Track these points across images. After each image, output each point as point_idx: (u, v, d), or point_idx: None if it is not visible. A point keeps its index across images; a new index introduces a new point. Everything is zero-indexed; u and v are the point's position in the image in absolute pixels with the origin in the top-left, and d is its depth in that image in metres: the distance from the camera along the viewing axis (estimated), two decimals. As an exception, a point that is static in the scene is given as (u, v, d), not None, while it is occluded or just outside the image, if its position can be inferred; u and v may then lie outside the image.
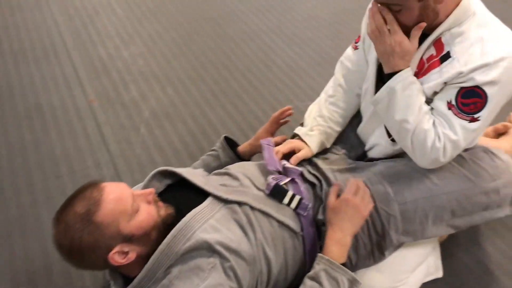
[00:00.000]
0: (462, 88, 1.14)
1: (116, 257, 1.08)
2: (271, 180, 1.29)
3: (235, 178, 1.31)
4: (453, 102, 1.15)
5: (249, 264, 1.15)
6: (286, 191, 1.28)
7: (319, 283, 1.12)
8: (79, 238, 1.05)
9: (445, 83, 1.17)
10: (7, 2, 3.07)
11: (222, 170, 1.38)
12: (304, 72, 2.41)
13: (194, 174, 1.31)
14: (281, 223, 1.24)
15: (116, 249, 1.08)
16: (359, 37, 1.46)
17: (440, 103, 1.18)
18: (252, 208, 1.22)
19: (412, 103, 1.19)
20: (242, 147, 1.55)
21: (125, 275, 1.17)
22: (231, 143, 1.56)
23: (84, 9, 2.99)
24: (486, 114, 1.14)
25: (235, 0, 3.09)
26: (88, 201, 1.07)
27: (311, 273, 1.14)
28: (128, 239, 1.09)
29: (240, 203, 1.22)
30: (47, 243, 1.59)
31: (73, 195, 1.12)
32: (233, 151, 1.54)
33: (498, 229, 1.61)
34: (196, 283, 1.07)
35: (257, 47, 2.61)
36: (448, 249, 1.50)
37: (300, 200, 1.27)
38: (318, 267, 1.14)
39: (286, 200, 1.27)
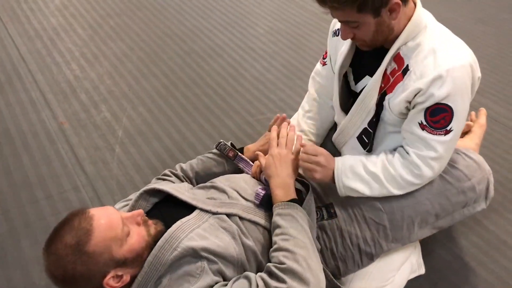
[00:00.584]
0: (427, 108, 1.21)
1: (111, 282, 1.09)
2: (260, 190, 1.32)
3: (222, 191, 1.34)
4: (424, 123, 1.23)
5: (237, 267, 1.19)
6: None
7: (277, 226, 1.20)
8: (72, 269, 1.05)
9: (409, 102, 1.24)
10: (-39, 27, 2.97)
11: (208, 184, 1.40)
12: (273, 84, 2.47)
13: (180, 190, 1.33)
14: (270, 231, 1.27)
15: (111, 274, 1.09)
16: (326, 53, 1.54)
17: (413, 127, 1.25)
18: (241, 218, 1.26)
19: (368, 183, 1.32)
20: (248, 155, 1.57)
21: None
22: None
23: (44, 31, 2.94)
24: (457, 123, 1.22)
25: (198, 16, 3.13)
26: (77, 232, 1.06)
27: (272, 227, 1.24)
28: (122, 263, 1.10)
29: (229, 215, 1.25)
30: (29, 270, 1.56)
31: (61, 225, 1.11)
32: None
33: (469, 224, 1.71)
34: (190, 278, 1.10)
35: (224, 62, 2.65)
36: (428, 246, 1.58)
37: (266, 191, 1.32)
38: (274, 215, 1.23)
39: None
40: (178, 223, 1.19)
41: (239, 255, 1.19)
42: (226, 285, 1.13)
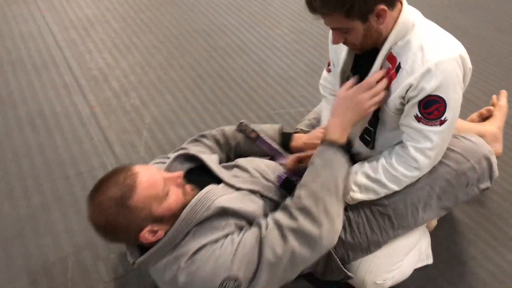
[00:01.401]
0: (420, 101, 1.26)
1: (147, 236, 1.19)
2: (282, 173, 1.40)
3: (244, 170, 1.42)
4: (420, 115, 1.28)
5: None
6: (295, 185, 1.37)
7: (312, 163, 1.28)
8: (113, 221, 1.15)
9: (403, 98, 1.30)
10: (1, 13, 3.13)
11: (231, 163, 1.48)
12: (294, 81, 2.56)
13: (212, 161, 1.41)
14: None
15: (147, 228, 1.18)
16: (329, 62, 1.62)
17: (410, 121, 1.30)
18: (262, 196, 1.34)
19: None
20: (295, 146, 1.60)
21: (145, 246, 1.24)
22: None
23: (79, 21, 3.08)
24: (451, 113, 1.26)
25: (225, 14, 3.23)
26: (122, 187, 1.15)
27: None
28: (159, 219, 1.19)
29: (252, 191, 1.33)
30: (59, 239, 1.67)
31: (107, 178, 1.20)
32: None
33: (478, 220, 1.77)
34: (209, 235, 1.19)
35: (249, 58, 2.75)
36: (436, 239, 1.64)
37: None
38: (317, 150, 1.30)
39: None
40: (210, 186, 1.28)
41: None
42: (240, 232, 1.22)
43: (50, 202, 1.81)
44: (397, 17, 1.27)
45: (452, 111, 1.27)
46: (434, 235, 1.64)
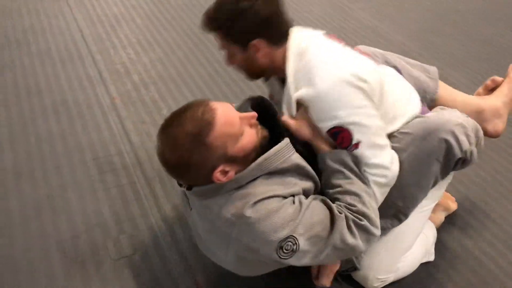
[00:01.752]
0: (327, 134, 1.28)
1: (219, 175, 1.14)
2: None
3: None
4: (338, 145, 1.29)
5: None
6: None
7: (336, 171, 1.27)
8: (188, 157, 1.10)
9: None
10: (33, 8, 3.28)
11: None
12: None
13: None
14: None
15: (220, 168, 1.13)
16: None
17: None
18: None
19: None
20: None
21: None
22: None
23: (106, 18, 3.21)
24: (360, 133, 1.25)
25: (247, 15, 3.30)
26: (200, 122, 1.10)
27: (324, 174, 1.30)
28: (232, 160, 1.15)
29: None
30: (74, 219, 1.75)
31: (182, 110, 1.14)
32: None
33: (482, 220, 1.78)
34: (277, 188, 1.18)
35: (267, 57, 2.81)
36: (441, 239, 1.67)
37: None
38: (324, 162, 1.29)
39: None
40: (287, 140, 1.24)
41: (318, 185, 1.30)
42: (307, 199, 1.22)
43: (68, 184, 1.90)
44: (286, 51, 1.31)
45: (361, 132, 1.25)
46: (437, 233, 1.66)
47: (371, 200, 1.26)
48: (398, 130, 1.38)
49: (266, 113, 1.35)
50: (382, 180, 1.29)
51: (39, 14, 3.22)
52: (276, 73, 1.38)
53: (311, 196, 1.25)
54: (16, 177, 1.93)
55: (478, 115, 1.59)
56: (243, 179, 1.18)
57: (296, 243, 1.15)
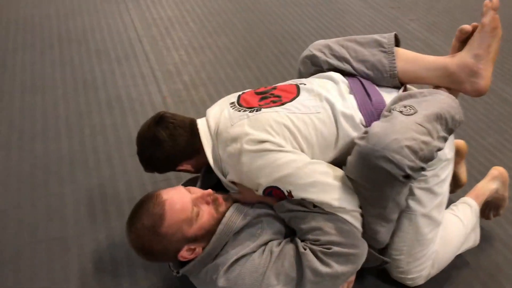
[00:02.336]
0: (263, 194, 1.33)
1: (185, 254, 1.26)
2: None
3: None
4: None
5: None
6: None
7: (293, 217, 1.30)
8: (149, 246, 1.24)
9: None
10: (93, 10, 3.44)
11: None
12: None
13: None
14: None
15: (184, 249, 1.25)
16: None
17: None
18: None
19: None
20: None
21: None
22: None
23: (161, 20, 3.33)
24: (285, 183, 1.26)
25: (297, 22, 3.35)
26: (152, 216, 1.22)
27: (284, 219, 1.34)
28: (193, 240, 1.25)
29: None
30: (123, 208, 1.83)
31: (139, 206, 1.28)
32: None
33: None
34: (247, 244, 1.25)
35: (315, 64, 2.84)
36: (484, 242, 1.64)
37: None
38: (280, 214, 1.34)
39: None
40: (235, 205, 1.34)
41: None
42: (279, 244, 1.27)
43: (118, 175, 1.99)
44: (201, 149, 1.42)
45: (287, 183, 1.26)
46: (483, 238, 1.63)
47: (334, 224, 1.24)
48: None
49: None
50: (337, 210, 1.26)
51: (98, 15, 3.38)
52: None
53: (284, 241, 1.29)
54: (71, 165, 2.03)
55: (450, 79, 1.44)
56: (213, 249, 1.27)
57: None
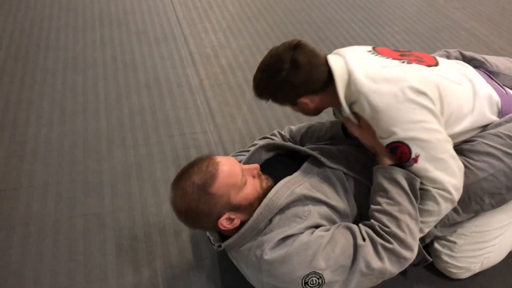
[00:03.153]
0: (386, 148, 1.31)
1: (224, 223, 1.24)
2: None
3: (326, 151, 1.45)
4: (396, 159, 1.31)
5: (342, 217, 1.31)
6: None
7: (382, 189, 1.28)
8: (196, 206, 1.21)
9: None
10: (135, -9, 3.48)
11: (313, 146, 1.52)
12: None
13: (294, 146, 1.49)
14: (370, 188, 1.38)
15: (225, 216, 1.24)
16: None
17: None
18: (345, 174, 1.39)
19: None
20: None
21: (223, 234, 1.35)
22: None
23: (200, 3, 3.33)
24: (418, 147, 1.24)
25: (338, 9, 3.29)
26: (204, 174, 1.21)
27: (373, 186, 1.32)
28: (236, 208, 1.24)
29: (334, 169, 1.38)
30: (158, 187, 1.85)
31: (190, 165, 1.26)
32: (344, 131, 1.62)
33: None
34: (293, 225, 1.23)
35: (355, 52, 2.78)
36: None
37: None
38: (377, 176, 1.32)
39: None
40: (289, 177, 1.33)
41: (342, 206, 1.31)
42: (328, 230, 1.24)
43: (154, 154, 2.01)
44: (335, 86, 1.34)
45: (418, 145, 1.24)
46: None
47: (411, 223, 1.24)
48: (497, 131, 1.36)
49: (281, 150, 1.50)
50: (445, 194, 1.27)
51: (139, -4, 3.41)
52: (332, 105, 1.45)
53: (335, 226, 1.26)
54: (109, 143, 2.07)
55: None
56: (257, 222, 1.25)
57: (320, 277, 1.18)
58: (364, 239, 1.21)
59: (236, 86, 2.48)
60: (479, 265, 1.45)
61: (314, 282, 1.18)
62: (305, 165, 1.40)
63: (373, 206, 1.29)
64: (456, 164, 1.28)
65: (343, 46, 2.83)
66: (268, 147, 1.48)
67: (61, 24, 3.04)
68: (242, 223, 1.27)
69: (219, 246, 1.33)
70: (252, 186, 1.27)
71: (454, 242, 1.43)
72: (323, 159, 1.39)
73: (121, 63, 2.64)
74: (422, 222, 1.31)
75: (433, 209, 1.29)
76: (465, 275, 1.47)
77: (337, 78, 1.33)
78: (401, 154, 1.28)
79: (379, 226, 1.23)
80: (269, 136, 1.68)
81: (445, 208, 1.30)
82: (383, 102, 1.25)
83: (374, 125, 1.31)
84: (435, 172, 1.26)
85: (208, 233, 1.41)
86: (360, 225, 1.27)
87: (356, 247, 1.20)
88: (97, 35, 2.92)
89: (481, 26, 3.09)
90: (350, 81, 1.31)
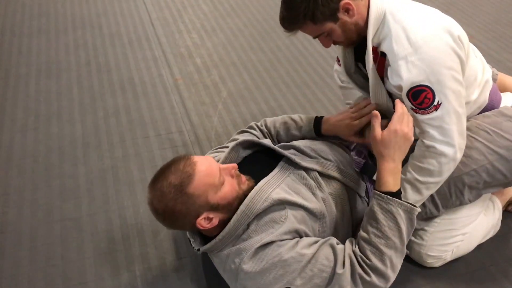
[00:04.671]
0: (407, 93, 1.24)
1: (202, 222, 1.24)
2: (358, 158, 1.45)
3: (300, 151, 1.45)
4: (414, 107, 1.26)
5: (319, 218, 1.32)
6: (375, 169, 1.38)
7: (374, 218, 1.23)
8: (173, 206, 1.20)
9: (395, 87, 1.29)
10: (107, -7, 3.46)
11: (287, 144, 1.50)
12: (371, 71, 2.58)
13: (270, 142, 1.48)
14: (346, 186, 1.40)
15: (203, 215, 1.23)
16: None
17: (411, 112, 1.28)
18: (320, 173, 1.39)
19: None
20: (326, 129, 1.56)
21: (204, 235, 1.34)
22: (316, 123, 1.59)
23: (173, 3, 3.33)
24: (443, 94, 1.22)
25: (311, 4, 3.31)
26: (181, 174, 1.20)
27: (367, 210, 1.27)
28: (214, 207, 1.24)
29: (308, 170, 1.38)
30: (135, 188, 1.86)
31: (167, 165, 1.25)
32: (317, 131, 1.59)
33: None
34: (271, 231, 1.23)
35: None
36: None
37: None
38: (373, 203, 1.26)
39: (375, 177, 1.37)
40: (266, 178, 1.33)
41: (319, 207, 1.31)
42: (311, 245, 1.23)
43: (130, 156, 2.01)
44: (367, 4, 1.27)
45: (444, 93, 1.22)
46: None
47: (395, 257, 1.21)
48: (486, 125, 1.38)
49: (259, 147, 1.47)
50: (450, 150, 1.27)
51: (111, -2, 3.39)
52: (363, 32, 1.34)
53: (320, 242, 1.25)
54: (85, 147, 2.06)
55: None
56: (235, 227, 1.24)
57: None
58: (344, 266, 1.20)
59: (212, 85, 2.48)
60: (450, 253, 1.48)
61: None
62: (281, 164, 1.40)
63: (361, 232, 1.26)
64: (465, 123, 1.29)
65: (317, 41, 2.85)
66: (245, 144, 1.48)
67: (33, 29, 3.01)
68: (221, 222, 1.27)
69: (198, 250, 1.34)
70: (230, 186, 1.26)
71: (425, 230, 1.45)
72: (297, 160, 1.39)
73: (95, 66, 2.63)
74: (421, 182, 1.32)
75: (433, 168, 1.29)
76: (438, 263, 1.51)
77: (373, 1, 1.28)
78: (422, 99, 1.23)
79: (361, 257, 1.22)
80: (246, 129, 1.65)
81: (447, 169, 1.30)
82: (423, 39, 1.21)
83: (401, 66, 1.23)
84: (450, 125, 1.25)
85: (188, 235, 1.40)
86: (346, 246, 1.25)
87: (334, 272, 1.19)
88: (70, 39, 2.90)
89: (452, 15, 3.13)
90: (386, 15, 1.27)
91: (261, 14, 3.20)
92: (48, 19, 3.12)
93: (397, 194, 1.25)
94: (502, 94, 1.56)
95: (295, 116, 1.64)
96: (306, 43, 2.83)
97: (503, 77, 1.69)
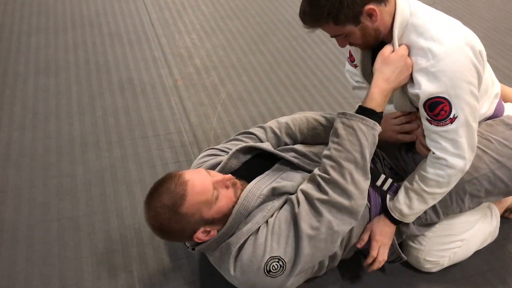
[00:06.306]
0: (424, 103, 1.24)
1: (200, 236, 1.26)
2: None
3: (302, 154, 1.45)
4: (429, 118, 1.25)
5: None
6: (379, 174, 1.40)
7: (336, 134, 1.26)
8: (168, 225, 1.22)
9: (413, 95, 1.29)
10: (107, -7, 3.45)
11: (288, 147, 1.49)
12: (370, 75, 2.59)
13: (269, 146, 1.47)
14: None
15: (200, 230, 1.25)
16: (351, 55, 1.59)
17: (424, 122, 1.28)
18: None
19: None
20: None
21: None
22: None
23: (173, 4, 3.32)
24: (460, 108, 1.22)
25: (310, 7, 3.32)
26: (173, 195, 1.21)
27: (332, 130, 1.29)
28: (210, 222, 1.25)
29: (308, 171, 1.38)
30: (133, 188, 1.85)
31: (160, 183, 1.25)
32: None
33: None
34: (256, 221, 1.25)
35: (327, 49, 2.82)
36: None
37: (392, 183, 1.40)
38: (336, 121, 1.27)
39: (379, 182, 1.40)
40: (259, 177, 1.34)
41: None
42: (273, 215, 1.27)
43: (129, 156, 2.01)
44: (394, 11, 1.26)
45: (460, 106, 1.22)
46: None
47: (356, 172, 1.22)
48: (493, 137, 1.39)
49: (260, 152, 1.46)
50: (460, 163, 1.27)
51: (111, -2, 3.39)
52: (384, 36, 1.33)
53: (278, 210, 1.28)
54: (83, 146, 2.06)
55: None
56: (229, 230, 1.27)
57: (280, 259, 1.21)
58: (299, 203, 1.23)
59: (211, 86, 2.48)
60: (448, 259, 1.49)
61: (276, 267, 1.21)
62: (276, 166, 1.41)
63: (324, 151, 1.29)
64: (476, 138, 1.29)
65: (315, 43, 2.87)
66: (243, 150, 1.46)
67: (32, 27, 3.00)
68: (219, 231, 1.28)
69: (193, 249, 1.35)
70: (226, 198, 1.26)
71: (424, 235, 1.46)
72: (300, 163, 1.39)
73: (94, 65, 2.62)
74: (428, 193, 1.32)
75: (442, 180, 1.29)
76: (435, 269, 1.52)
77: (399, 8, 1.26)
78: (438, 111, 1.23)
79: (319, 175, 1.24)
80: (251, 131, 1.58)
81: (455, 180, 1.31)
82: (445, 52, 1.20)
83: (421, 76, 1.24)
84: (463, 138, 1.25)
85: None
86: (299, 188, 1.28)
87: (295, 214, 1.22)
88: (69, 38, 2.89)
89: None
90: (409, 25, 1.26)
91: (261, 16, 3.20)
92: (48, 17, 3.12)
93: (378, 117, 1.26)
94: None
95: (320, 118, 1.57)
96: (305, 46, 2.84)
97: (503, 88, 1.69)
